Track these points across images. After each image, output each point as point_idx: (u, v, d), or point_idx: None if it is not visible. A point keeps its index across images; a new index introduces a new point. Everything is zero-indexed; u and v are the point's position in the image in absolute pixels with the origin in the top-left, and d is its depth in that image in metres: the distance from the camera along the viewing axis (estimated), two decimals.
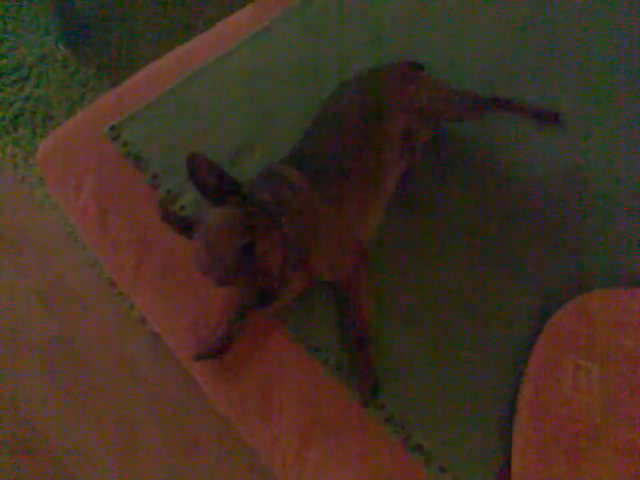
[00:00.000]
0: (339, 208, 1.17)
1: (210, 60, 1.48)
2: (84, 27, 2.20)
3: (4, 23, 2.21)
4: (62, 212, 1.94)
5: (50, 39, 2.19)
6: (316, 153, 1.22)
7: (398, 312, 1.23)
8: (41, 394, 1.78)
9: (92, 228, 1.31)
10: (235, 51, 1.51)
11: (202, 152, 1.02)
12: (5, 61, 2.14)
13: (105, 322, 1.87)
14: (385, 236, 1.28)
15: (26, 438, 1.73)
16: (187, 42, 1.55)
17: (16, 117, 2.07)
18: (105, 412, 1.76)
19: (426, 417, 1.14)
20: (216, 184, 1.03)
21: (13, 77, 2.12)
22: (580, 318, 1.18)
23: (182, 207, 1.32)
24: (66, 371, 1.80)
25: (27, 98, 2.09)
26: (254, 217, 1.03)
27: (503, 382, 1.17)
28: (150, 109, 1.42)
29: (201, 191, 1.04)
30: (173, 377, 1.78)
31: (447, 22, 1.60)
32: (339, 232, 1.18)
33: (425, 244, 1.30)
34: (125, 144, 1.37)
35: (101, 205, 1.32)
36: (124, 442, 1.72)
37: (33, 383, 1.79)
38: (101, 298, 1.89)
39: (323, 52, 1.53)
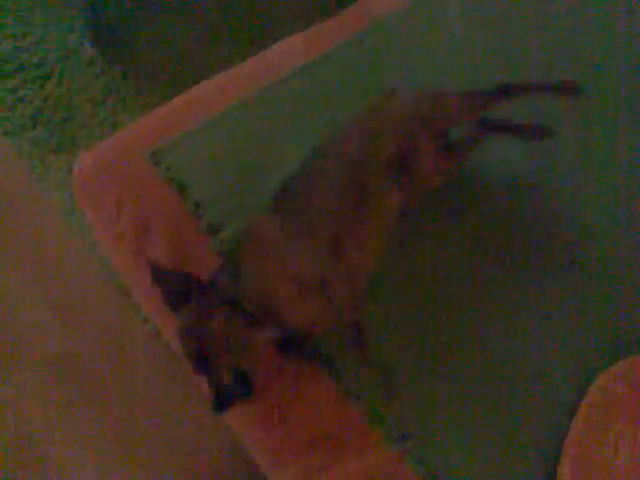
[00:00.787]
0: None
1: (261, 87, 1.44)
2: (113, 27, 2.13)
3: (29, 15, 2.13)
4: (77, 218, 1.89)
5: (75, 36, 2.12)
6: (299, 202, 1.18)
7: (440, 369, 1.22)
8: (44, 408, 1.72)
9: (128, 255, 1.26)
10: (287, 80, 1.47)
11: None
12: (27, 55, 2.07)
13: (119, 342, 1.82)
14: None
15: (27, 451, 1.67)
16: (230, 68, 1.50)
17: (35, 115, 2.00)
18: (110, 430, 1.72)
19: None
20: (182, 288, 1.08)
21: (35, 73, 2.05)
22: (627, 383, 1.17)
23: (221, 242, 1.28)
24: (72, 387, 1.75)
25: (47, 97, 2.03)
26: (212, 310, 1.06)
27: (543, 447, 1.17)
28: (195, 135, 1.38)
29: (167, 297, 1.10)
30: (187, 400, 1.74)
31: None
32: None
33: (463, 297, 1.29)
34: (168, 169, 1.33)
35: (140, 232, 1.27)
36: (129, 460, 1.69)
37: (37, 395, 1.73)
38: (118, 317, 1.84)
39: (381, 81, 1.50)
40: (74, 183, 1.31)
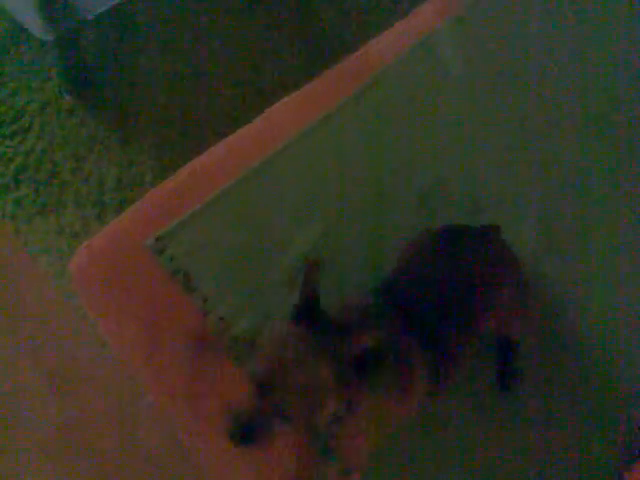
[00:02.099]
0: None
1: (264, 158, 1.37)
2: (90, 74, 2.02)
3: (1, 65, 2.01)
4: (67, 282, 1.81)
5: (52, 85, 2.01)
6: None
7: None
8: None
9: (138, 357, 1.20)
10: (287, 148, 1.40)
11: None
12: (4, 108, 1.96)
13: (117, 407, 1.75)
14: None
15: None
16: (231, 134, 1.43)
17: (18, 173, 1.90)
18: None
19: None
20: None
21: (13, 127, 1.94)
22: None
23: (235, 339, 1.22)
24: (71, 461, 1.69)
25: (29, 152, 1.92)
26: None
27: None
28: (198, 216, 1.31)
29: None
30: (190, 470, 1.69)
31: None
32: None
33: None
34: (172, 259, 1.26)
35: (147, 333, 1.21)
36: None
37: (37, 468, 1.67)
38: (114, 381, 1.77)
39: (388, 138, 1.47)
40: (72, 280, 1.23)
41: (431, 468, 1.18)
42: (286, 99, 1.50)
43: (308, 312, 0.86)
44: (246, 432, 0.83)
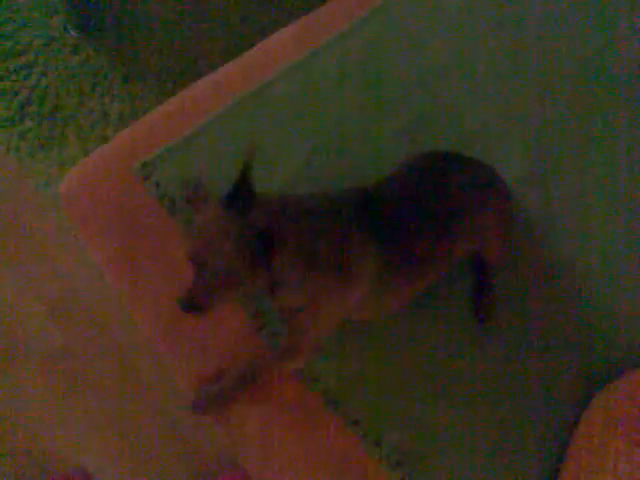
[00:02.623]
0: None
1: (253, 87, 1.38)
2: (97, 9, 2.03)
3: (7, 1, 2.03)
4: None
5: (58, 20, 2.02)
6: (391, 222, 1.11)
7: (439, 392, 1.21)
8: (41, 408, 1.74)
9: (120, 276, 1.24)
10: (280, 78, 1.40)
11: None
12: (10, 44, 1.98)
13: (113, 340, 1.81)
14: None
15: (27, 442, 1.70)
16: (224, 64, 1.43)
17: (22, 107, 1.93)
18: (109, 427, 1.74)
19: None
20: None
21: (19, 62, 1.97)
22: (628, 399, 1.16)
23: None
24: (68, 381, 1.76)
25: (34, 87, 1.95)
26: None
27: (543, 466, 1.18)
28: (185, 144, 1.33)
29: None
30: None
31: None
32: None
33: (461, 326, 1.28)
34: (157, 185, 1.29)
35: (130, 253, 1.24)
36: (128, 457, 1.71)
37: (33, 397, 1.74)
38: (112, 313, 1.83)
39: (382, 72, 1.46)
40: (62, 203, 1.27)
41: (400, 391, 1.21)
42: (283, 30, 1.49)
43: (240, 194, 0.92)
44: (191, 302, 0.92)
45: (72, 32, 2.00)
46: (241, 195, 0.92)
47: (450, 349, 1.25)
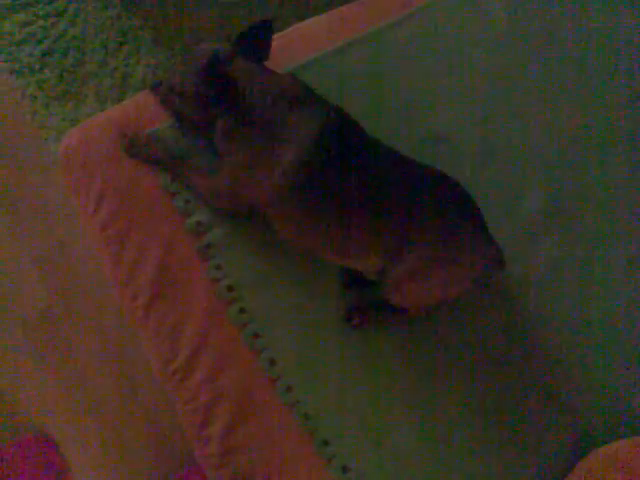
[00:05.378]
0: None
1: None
2: None
3: None
4: None
5: None
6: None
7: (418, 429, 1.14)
8: (16, 361, 1.70)
9: (108, 249, 1.18)
10: (308, 66, 1.33)
11: None
12: None
13: (99, 301, 1.76)
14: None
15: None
16: None
17: (44, 55, 1.88)
18: (80, 399, 1.69)
19: None
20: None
21: (47, 9, 1.91)
22: (615, 467, 1.10)
23: (208, 245, 1.19)
24: (49, 348, 1.72)
25: (59, 36, 1.89)
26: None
27: None
28: None
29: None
30: None
31: None
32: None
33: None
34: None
35: (121, 225, 1.18)
36: (94, 433, 1.67)
37: (14, 357, 1.70)
38: (102, 279, 1.77)
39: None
40: (59, 163, 1.21)
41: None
42: (321, 16, 1.42)
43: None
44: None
45: None
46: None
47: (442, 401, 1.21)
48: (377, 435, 1.18)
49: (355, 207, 1.07)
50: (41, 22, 1.90)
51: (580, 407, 1.24)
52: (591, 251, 1.38)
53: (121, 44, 1.93)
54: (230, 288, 1.20)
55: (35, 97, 1.85)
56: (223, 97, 1.08)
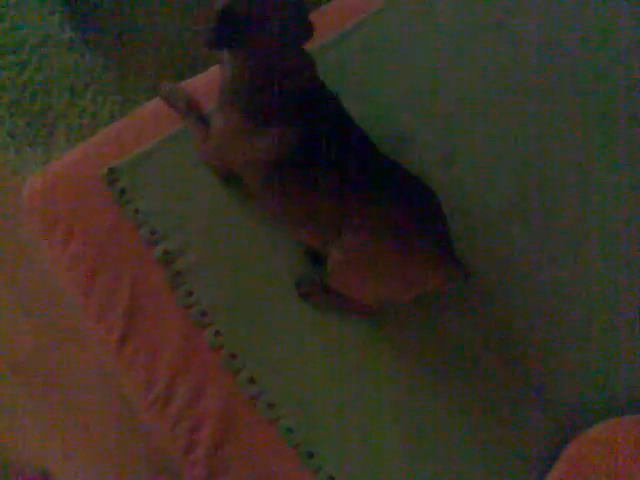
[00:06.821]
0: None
1: None
2: (93, 7, 2.01)
3: None
4: None
5: (56, 19, 2.00)
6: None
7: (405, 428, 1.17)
8: (18, 411, 1.72)
9: (79, 286, 1.20)
10: None
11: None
12: (5, 40, 1.97)
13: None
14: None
15: None
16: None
17: (12, 104, 1.91)
18: (75, 420, 1.71)
19: None
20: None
21: (12, 59, 1.95)
22: (600, 448, 1.11)
23: (177, 273, 1.21)
24: (42, 388, 1.73)
25: (26, 84, 1.93)
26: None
27: None
28: (154, 152, 1.29)
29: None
30: None
31: None
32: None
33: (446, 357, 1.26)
34: (123, 192, 1.25)
35: (90, 262, 1.21)
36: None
37: (10, 402, 1.72)
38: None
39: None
40: (24, 208, 1.24)
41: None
42: None
43: None
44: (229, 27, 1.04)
45: (68, 30, 1.98)
46: None
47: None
48: (361, 440, 1.19)
49: (322, 188, 1.11)
50: (6, 73, 1.93)
51: (558, 394, 1.25)
52: (563, 242, 1.38)
53: (87, 84, 1.97)
54: (203, 313, 1.22)
55: (6, 145, 1.88)
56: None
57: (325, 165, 1.10)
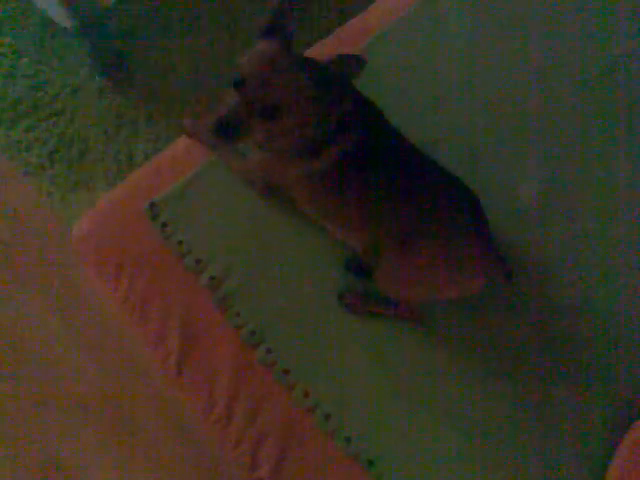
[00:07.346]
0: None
1: None
2: (120, 55, 2.10)
3: (39, 54, 2.13)
4: None
5: (85, 70, 2.10)
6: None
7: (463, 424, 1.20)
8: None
9: (133, 318, 1.26)
10: None
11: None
12: (40, 93, 2.07)
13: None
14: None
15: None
16: None
17: (52, 153, 2.01)
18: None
19: None
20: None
21: (48, 111, 2.05)
22: None
23: (224, 297, 1.25)
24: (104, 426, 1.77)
25: (62, 133, 2.03)
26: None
27: None
28: (191, 183, 1.34)
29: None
30: None
31: None
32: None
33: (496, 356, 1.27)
34: (165, 225, 1.30)
35: (141, 294, 1.26)
36: None
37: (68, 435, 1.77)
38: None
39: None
40: (74, 247, 1.30)
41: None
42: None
43: (278, 26, 1.09)
44: (229, 128, 1.05)
45: (98, 79, 2.07)
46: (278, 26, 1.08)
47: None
48: (418, 447, 1.20)
49: (369, 198, 1.17)
50: (44, 125, 2.04)
51: (615, 381, 1.24)
52: (591, 234, 1.38)
53: (119, 127, 2.05)
54: (253, 332, 1.25)
55: (50, 192, 1.97)
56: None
57: (379, 172, 1.15)
